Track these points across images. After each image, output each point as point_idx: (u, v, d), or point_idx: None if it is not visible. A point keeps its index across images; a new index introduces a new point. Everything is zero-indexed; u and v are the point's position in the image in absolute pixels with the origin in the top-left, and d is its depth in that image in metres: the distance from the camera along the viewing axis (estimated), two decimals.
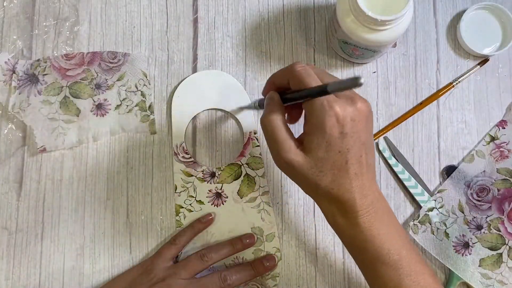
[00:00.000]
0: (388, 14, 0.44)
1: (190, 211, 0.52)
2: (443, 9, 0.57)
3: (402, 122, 0.55)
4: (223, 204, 0.53)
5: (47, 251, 0.52)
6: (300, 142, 0.39)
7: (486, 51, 0.55)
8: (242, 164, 0.53)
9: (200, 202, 0.52)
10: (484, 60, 0.56)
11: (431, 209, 0.52)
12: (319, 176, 0.38)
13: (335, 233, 0.41)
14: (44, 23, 0.56)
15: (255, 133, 0.54)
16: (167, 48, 0.56)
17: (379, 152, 0.54)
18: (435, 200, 0.52)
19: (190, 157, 0.53)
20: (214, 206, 0.52)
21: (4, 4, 0.56)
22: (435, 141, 0.55)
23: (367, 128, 0.39)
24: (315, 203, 0.41)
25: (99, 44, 0.55)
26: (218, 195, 0.53)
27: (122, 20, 0.56)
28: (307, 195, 0.41)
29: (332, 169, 0.37)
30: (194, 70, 0.55)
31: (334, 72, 0.56)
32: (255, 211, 0.52)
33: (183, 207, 0.52)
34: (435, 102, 0.55)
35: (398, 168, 0.53)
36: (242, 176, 0.53)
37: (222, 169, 0.53)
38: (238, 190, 0.53)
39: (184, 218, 0.52)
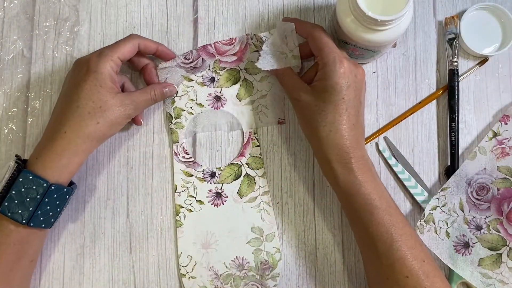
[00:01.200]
0: (388, 14, 0.44)
1: (190, 211, 0.52)
2: (443, 9, 0.57)
3: (401, 121, 0.55)
4: (223, 204, 0.53)
5: (47, 251, 0.52)
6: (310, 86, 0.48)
7: (486, 51, 0.55)
8: (242, 164, 0.53)
9: (200, 202, 0.53)
10: (483, 60, 0.56)
11: (434, 208, 0.52)
12: (321, 114, 0.45)
13: (330, 185, 0.47)
14: (44, 23, 0.56)
15: (255, 133, 0.54)
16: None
17: (379, 152, 0.54)
18: (438, 199, 0.52)
19: (190, 157, 0.53)
20: (214, 206, 0.53)
21: (5, 4, 0.56)
22: (435, 141, 0.55)
23: (363, 91, 0.48)
24: (314, 163, 0.51)
25: (99, 44, 0.56)
26: (218, 195, 0.53)
27: (122, 20, 0.56)
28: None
29: (333, 112, 0.45)
30: None
31: None
32: (255, 211, 0.52)
33: (183, 207, 0.52)
34: (434, 102, 0.55)
35: (398, 168, 0.53)
36: (242, 176, 0.53)
37: (222, 169, 0.53)
38: (238, 190, 0.53)
39: (184, 218, 0.52)
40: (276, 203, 0.53)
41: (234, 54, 0.54)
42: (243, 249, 0.52)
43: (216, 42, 0.54)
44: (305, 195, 0.53)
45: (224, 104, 0.54)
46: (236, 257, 0.52)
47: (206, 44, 0.54)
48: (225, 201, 0.53)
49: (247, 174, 0.53)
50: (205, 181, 0.53)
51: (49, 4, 0.56)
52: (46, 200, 0.44)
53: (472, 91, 0.56)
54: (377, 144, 0.54)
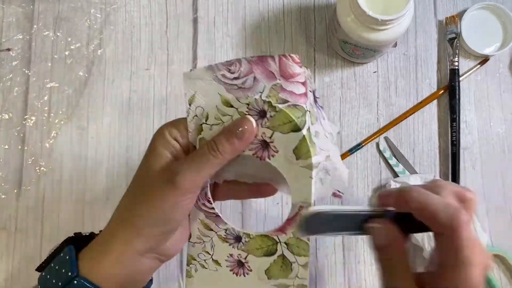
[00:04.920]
0: (388, 13, 0.44)
1: (204, 267, 0.42)
2: (443, 9, 0.57)
3: (402, 120, 0.54)
4: (244, 276, 0.41)
5: (46, 251, 0.52)
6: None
7: (486, 51, 0.55)
8: (280, 242, 0.39)
9: (217, 263, 0.41)
10: (484, 59, 0.56)
11: None
12: None
13: None
14: (44, 23, 0.56)
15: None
16: (167, 48, 0.56)
17: (380, 152, 0.54)
18: None
19: (213, 209, 0.39)
20: (233, 273, 0.41)
21: (3, 4, 0.56)
22: (436, 141, 0.55)
23: None
24: None
25: (99, 43, 0.55)
26: (241, 264, 0.40)
27: (122, 20, 0.56)
28: None
29: None
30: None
31: (335, 71, 0.55)
32: None
33: (195, 260, 0.42)
34: (435, 101, 0.55)
35: (399, 168, 0.53)
36: (276, 255, 0.39)
37: (251, 236, 0.39)
38: (267, 269, 0.40)
39: (196, 271, 0.42)
40: (276, 203, 0.53)
41: (303, 84, 0.34)
42: None
43: (284, 55, 0.34)
44: None
45: (247, 274, 0.40)
46: None
47: (266, 56, 0.34)
48: (247, 274, 0.41)
49: (283, 256, 0.39)
50: (227, 242, 0.40)
51: (48, 4, 0.56)
52: None
53: (473, 91, 0.56)
54: (377, 144, 0.54)
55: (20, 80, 0.55)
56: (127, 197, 0.37)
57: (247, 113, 0.35)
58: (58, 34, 0.56)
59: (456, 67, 0.54)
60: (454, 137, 0.53)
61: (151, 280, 0.40)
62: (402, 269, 0.32)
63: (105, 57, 0.55)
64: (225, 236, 0.40)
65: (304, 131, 0.34)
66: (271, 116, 0.34)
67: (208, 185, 0.39)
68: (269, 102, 0.34)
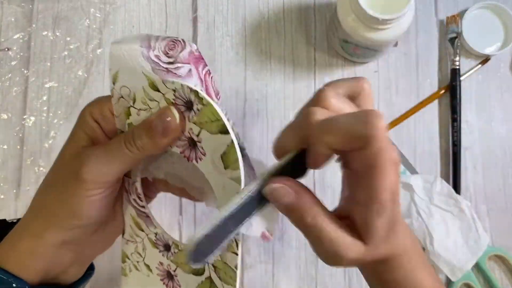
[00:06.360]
0: (389, 13, 0.44)
1: (137, 269, 0.38)
2: (444, 8, 0.56)
3: (403, 120, 0.54)
4: None
5: None
6: (344, 219, 0.28)
7: (487, 51, 0.55)
8: (207, 263, 0.33)
9: (149, 268, 0.37)
10: (485, 59, 0.55)
11: None
12: (375, 255, 0.28)
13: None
14: (43, 23, 0.55)
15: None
16: None
17: None
18: None
19: (144, 207, 0.35)
20: (164, 285, 0.36)
21: (2, 3, 0.55)
22: (437, 141, 0.54)
23: None
24: None
25: (98, 43, 0.55)
26: (170, 276, 0.36)
27: (121, 20, 0.56)
28: None
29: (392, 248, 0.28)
30: None
31: (335, 71, 0.55)
32: None
33: (129, 259, 0.38)
34: (436, 101, 0.55)
35: (400, 168, 0.53)
36: (203, 277, 0.34)
37: (180, 248, 0.35)
38: None
39: (130, 272, 0.39)
40: None
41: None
42: None
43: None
44: None
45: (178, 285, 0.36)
46: None
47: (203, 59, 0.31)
48: (179, 283, 0.36)
49: (210, 279, 0.33)
50: (157, 248, 0.36)
51: (47, 3, 0.56)
52: None
53: (474, 90, 0.55)
54: None
55: (19, 80, 0.54)
56: (43, 184, 0.33)
57: (173, 102, 0.29)
58: (57, 33, 0.55)
59: (457, 67, 0.54)
60: (455, 137, 0.53)
61: (92, 268, 0.37)
62: (325, 221, 0.27)
63: (104, 57, 0.55)
64: (155, 241, 0.35)
65: (233, 135, 0.28)
66: (198, 110, 0.28)
67: (139, 180, 0.34)
68: (196, 92, 0.28)
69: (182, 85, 0.28)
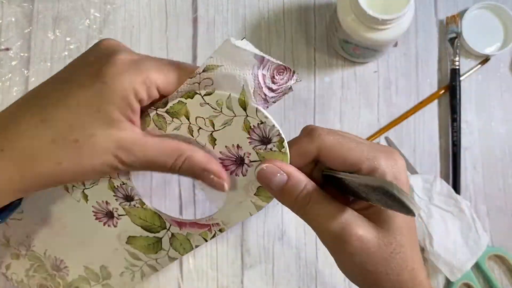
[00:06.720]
0: (389, 13, 0.44)
1: (67, 191, 0.37)
2: (444, 8, 0.56)
3: (403, 120, 0.54)
4: (104, 225, 0.37)
5: None
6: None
7: (487, 51, 0.55)
8: (168, 229, 0.36)
9: (86, 197, 0.37)
10: (485, 59, 0.55)
11: None
12: (390, 258, 0.28)
13: None
14: (43, 23, 0.55)
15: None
16: (167, 48, 0.55)
17: None
18: None
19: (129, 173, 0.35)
20: (94, 216, 0.37)
21: (2, 3, 0.55)
22: (436, 141, 0.54)
23: None
24: None
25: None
26: (110, 214, 0.36)
27: (121, 20, 0.56)
28: None
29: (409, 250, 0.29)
30: None
31: (335, 71, 0.55)
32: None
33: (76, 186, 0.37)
34: (436, 101, 0.55)
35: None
36: (152, 235, 0.37)
37: (144, 207, 0.36)
38: (133, 237, 0.37)
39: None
40: (276, 203, 0.53)
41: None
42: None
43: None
44: None
45: (108, 225, 0.37)
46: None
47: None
48: (108, 225, 0.37)
49: (160, 240, 0.37)
50: (114, 192, 0.35)
51: (47, 4, 0.56)
52: None
53: (474, 90, 0.55)
54: None
55: (19, 80, 0.54)
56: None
57: (252, 128, 0.30)
58: (58, 33, 0.55)
59: (457, 67, 0.54)
60: (455, 137, 0.53)
61: (20, 200, 0.32)
62: (320, 198, 0.28)
63: None
64: (116, 186, 0.35)
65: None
66: (270, 149, 0.30)
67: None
68: (281, 140, 0.30)
69: (274, 125, 0.29)
